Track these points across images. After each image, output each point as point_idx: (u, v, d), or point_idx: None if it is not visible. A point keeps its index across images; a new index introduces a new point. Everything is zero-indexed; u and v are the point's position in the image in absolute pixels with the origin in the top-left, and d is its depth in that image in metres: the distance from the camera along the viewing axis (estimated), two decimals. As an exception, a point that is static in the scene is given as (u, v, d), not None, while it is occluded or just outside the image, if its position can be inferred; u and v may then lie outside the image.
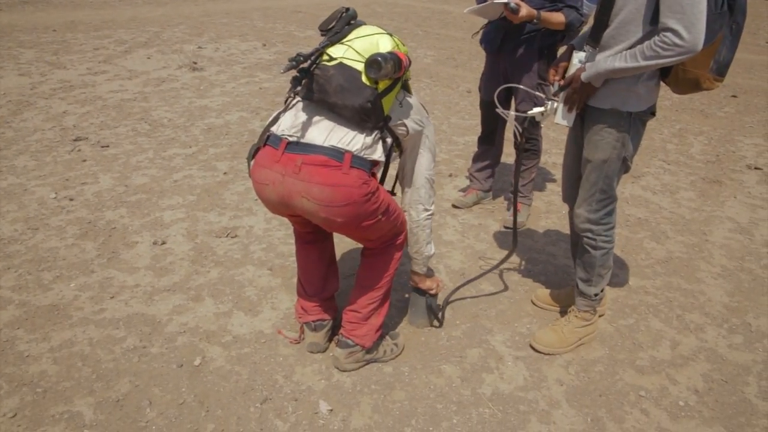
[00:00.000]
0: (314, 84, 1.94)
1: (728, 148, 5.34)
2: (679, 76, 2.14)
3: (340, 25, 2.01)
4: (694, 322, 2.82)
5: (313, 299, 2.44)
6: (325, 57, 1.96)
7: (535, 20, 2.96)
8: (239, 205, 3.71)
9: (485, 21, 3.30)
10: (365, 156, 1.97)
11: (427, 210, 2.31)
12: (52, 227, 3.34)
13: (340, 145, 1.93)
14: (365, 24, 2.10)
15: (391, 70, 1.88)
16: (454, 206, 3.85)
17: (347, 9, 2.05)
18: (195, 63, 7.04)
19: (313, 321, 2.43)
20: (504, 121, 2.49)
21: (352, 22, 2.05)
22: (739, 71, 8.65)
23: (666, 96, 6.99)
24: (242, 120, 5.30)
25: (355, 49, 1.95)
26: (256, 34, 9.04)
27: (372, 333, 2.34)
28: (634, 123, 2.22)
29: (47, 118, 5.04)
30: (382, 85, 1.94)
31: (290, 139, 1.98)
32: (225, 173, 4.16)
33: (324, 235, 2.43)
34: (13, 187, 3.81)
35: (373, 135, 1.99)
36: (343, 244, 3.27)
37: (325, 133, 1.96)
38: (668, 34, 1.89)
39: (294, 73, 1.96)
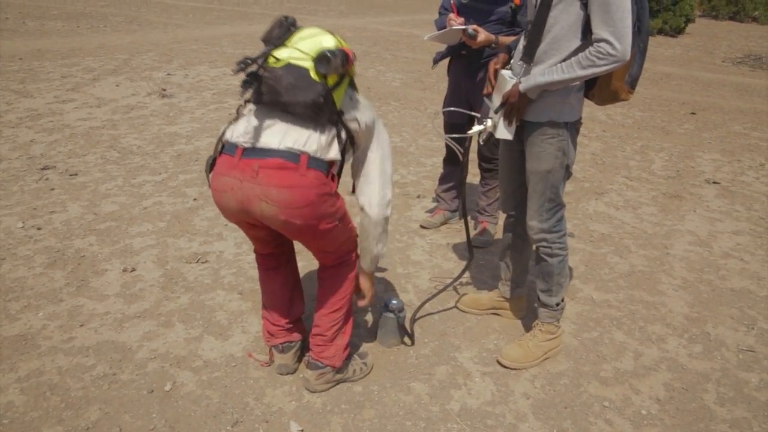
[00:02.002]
0: (263, 86, 1.96)
1: (688, 163, 5.52)
2: (603, 88, 2.33)
3: (281, 32, 2.03)
4: (656, 333, 2.91)
5: (278, 322, 2.46)
6: (271, 60, 1.98)
7: (493, 45, 3.07)
8: (209, 231, 3.73)
9: (444, 47, 3.41)
10: (321, 157, 1.99)
11: (380, 206, 2.22)
12: (20, 257, 3.32)
13: (295, 147, 1.95)
14: (305, 27, 2.12)
15: (339, 64, 1.92)
16: (422, 227, 3.91)
17: (287, 17, 2.07)
18: (164, 90, 7.05)
19: (281, 343, 2.45)
20: (468, 142, 2.58)
21: (292, 28, 2.07)
22: (698, 89, 8.94)
23: (628, 114, 7.20)
24: (212, 146, 5.31)
25: (300, 50, 1.97)
26: (226, 60, 9.09)
27: (340, 353, 2.37)
28: (570, 131, 2.37)
29: (14, 147, 5.00)
30: (331, 80, 1.97)
31: (245, 145, 1.99)
32: (195, 199, 4.18)
33: (287, 259, 2.46)
34: (-21, 218, 3.77)
35: (328, 132, 2.02)
36: (310, 266, 3.31)
37: (280, 136, 1.97)
38: (602, 44, 2.06)
39: (243, 76, 1.97)
